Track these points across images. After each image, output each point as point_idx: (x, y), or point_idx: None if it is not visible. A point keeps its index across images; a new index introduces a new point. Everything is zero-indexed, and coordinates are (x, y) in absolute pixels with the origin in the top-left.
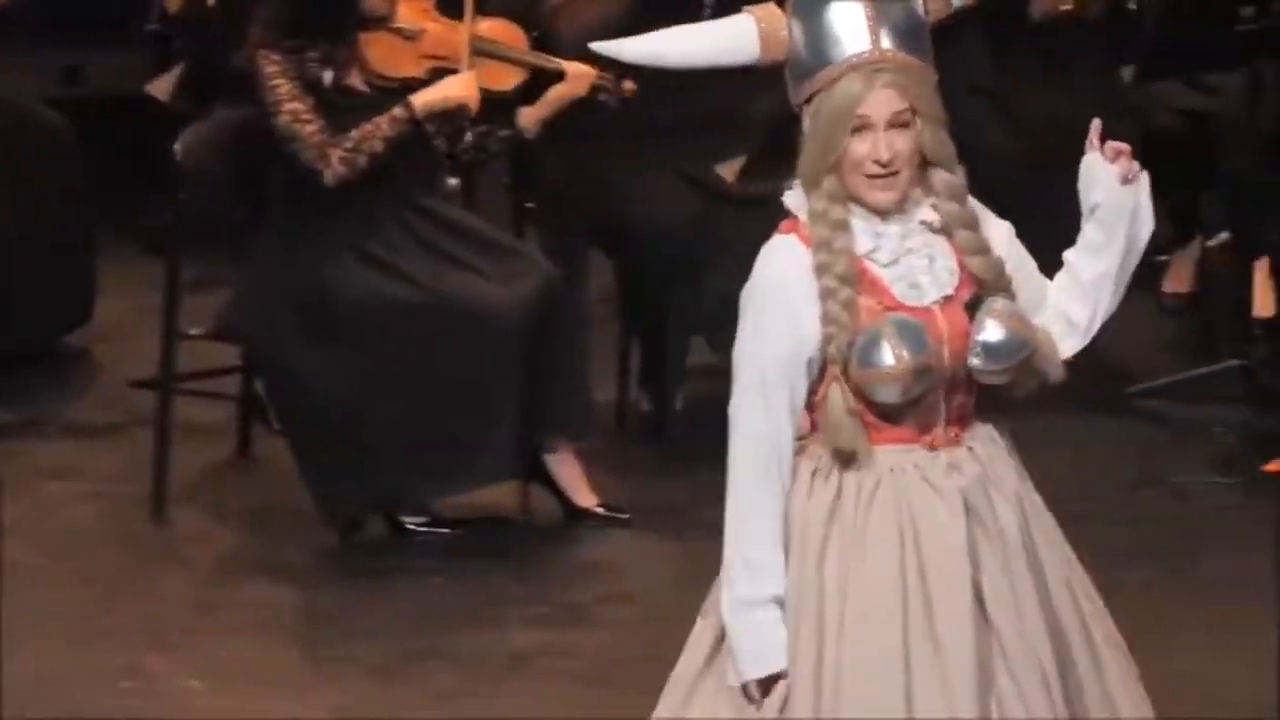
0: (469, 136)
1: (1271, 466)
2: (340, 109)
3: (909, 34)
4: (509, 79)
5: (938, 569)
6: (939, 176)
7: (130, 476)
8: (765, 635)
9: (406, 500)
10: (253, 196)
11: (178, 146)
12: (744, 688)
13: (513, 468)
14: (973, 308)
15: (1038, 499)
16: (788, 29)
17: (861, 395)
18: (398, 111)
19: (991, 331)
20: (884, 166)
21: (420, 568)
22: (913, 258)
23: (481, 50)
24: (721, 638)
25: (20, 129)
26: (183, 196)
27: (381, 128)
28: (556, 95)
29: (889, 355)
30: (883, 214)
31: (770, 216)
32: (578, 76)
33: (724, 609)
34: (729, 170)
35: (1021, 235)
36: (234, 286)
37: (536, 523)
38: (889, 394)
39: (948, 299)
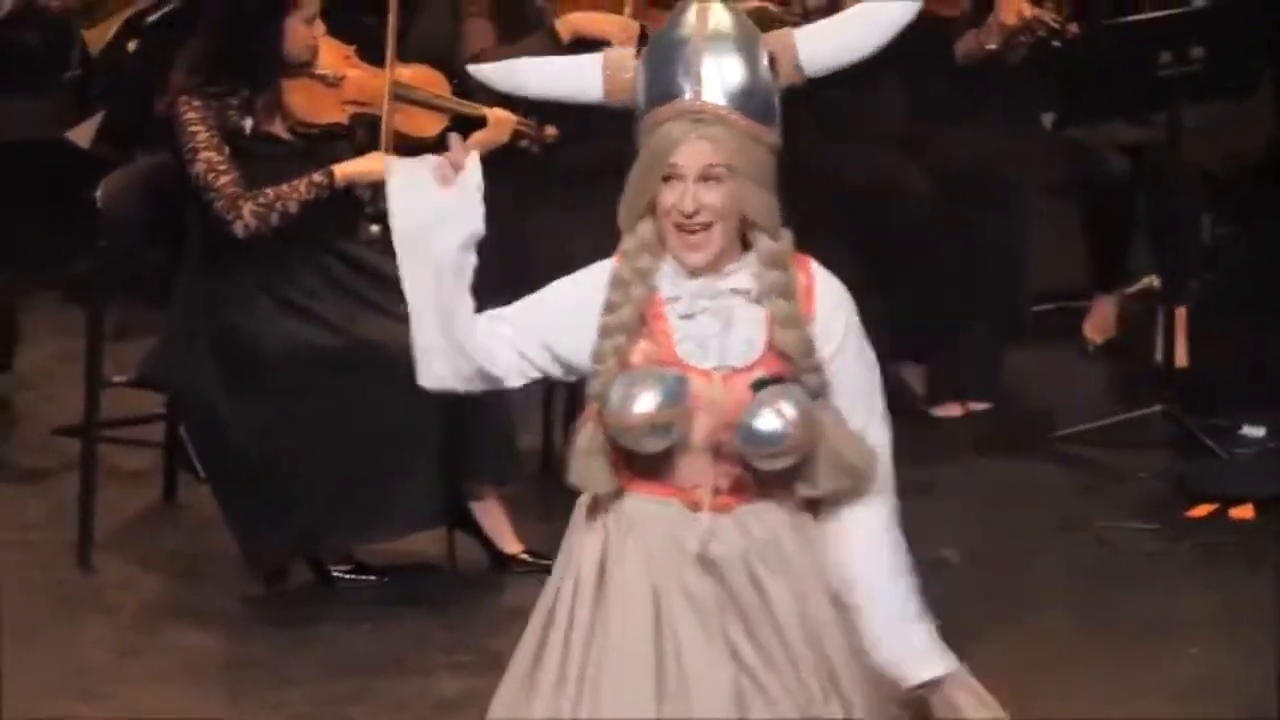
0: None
1: (1194, 512)
2: (261, 156)
3: (743, 92)
4: (431, 125)
5: (681, 621)
6: (761, 241)
7: (55, 523)
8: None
9: (330, 547)
10: (173, 243)
11: (98, 193)
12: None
13: (436, 514)
14: (760, 388)
15: (821, 598)
16: (633, 72)
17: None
18: (318, 178)
19: (762, 420)
20: (688, 218)
21: (346, 615)
22: (706, 318)
23: (402, 96)
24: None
25: None
26: (104, 243)
27: (299, 190)
28: (477, 141)
29: (626, 402)
30: (692, 271)
31: None
32: (500, 122)
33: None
34: None
35: (934, 276)
36: (156, 333)
37: (462, 570)
38: (624, 440)
39: (734, 370)
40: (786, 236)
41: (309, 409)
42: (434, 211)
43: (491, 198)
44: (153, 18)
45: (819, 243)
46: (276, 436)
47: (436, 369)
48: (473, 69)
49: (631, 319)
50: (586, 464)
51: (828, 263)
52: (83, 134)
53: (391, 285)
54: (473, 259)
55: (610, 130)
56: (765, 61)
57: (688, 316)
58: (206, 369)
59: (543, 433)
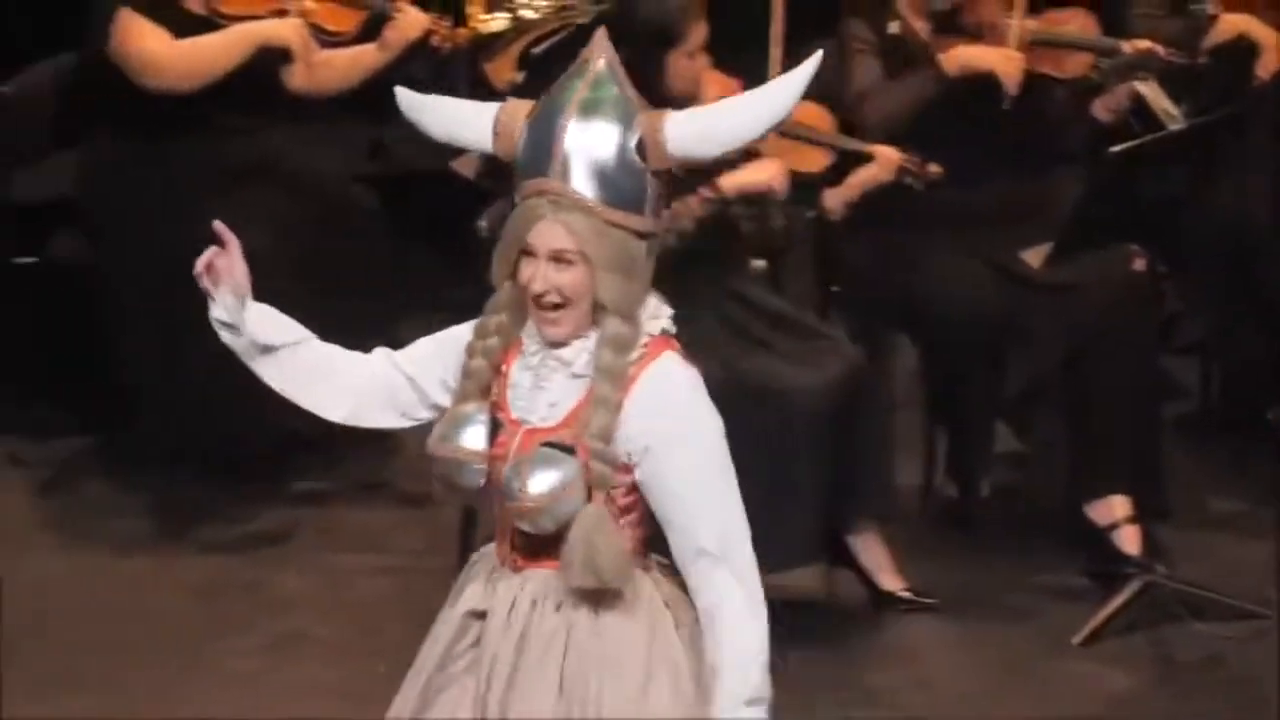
0: (776, 219)
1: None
2: None
3: (605, 177)
4: (816, 162)
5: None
6: (608, 323)
7: (435, 550)
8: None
9: None
10: None
11: (482, 223)
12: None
13: (817, 550)
14: (546, 448)
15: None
16: (520, 133)
17: None
18: (705, 193)
19: (532, 478)
20: (538, 296)
21: None
22: (528, 375)
23: (788, 133)
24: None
25: (332, 204)
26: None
27: (691, 207)
28: (862, 179)
29: (444, 435)
30: (548, 344)
31: (1075, 303)
32: (884, 160)
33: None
34: (1035, 257)
35: None
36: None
37: (841, 606)
38: (435, 469)
39: (533, 429)
40: (651, 324)
41: None
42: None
43: (872, 235)
44: (539, 49)
45: None
46: None
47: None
48: (401, 94)
49: (481, 370)
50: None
51: None
52: (467, 165)
53: (775, 322)
54: (252, 311)
55: (996, 173)
56: (634, 144)
57: (523, 369)
58: None
59: (923, 473)
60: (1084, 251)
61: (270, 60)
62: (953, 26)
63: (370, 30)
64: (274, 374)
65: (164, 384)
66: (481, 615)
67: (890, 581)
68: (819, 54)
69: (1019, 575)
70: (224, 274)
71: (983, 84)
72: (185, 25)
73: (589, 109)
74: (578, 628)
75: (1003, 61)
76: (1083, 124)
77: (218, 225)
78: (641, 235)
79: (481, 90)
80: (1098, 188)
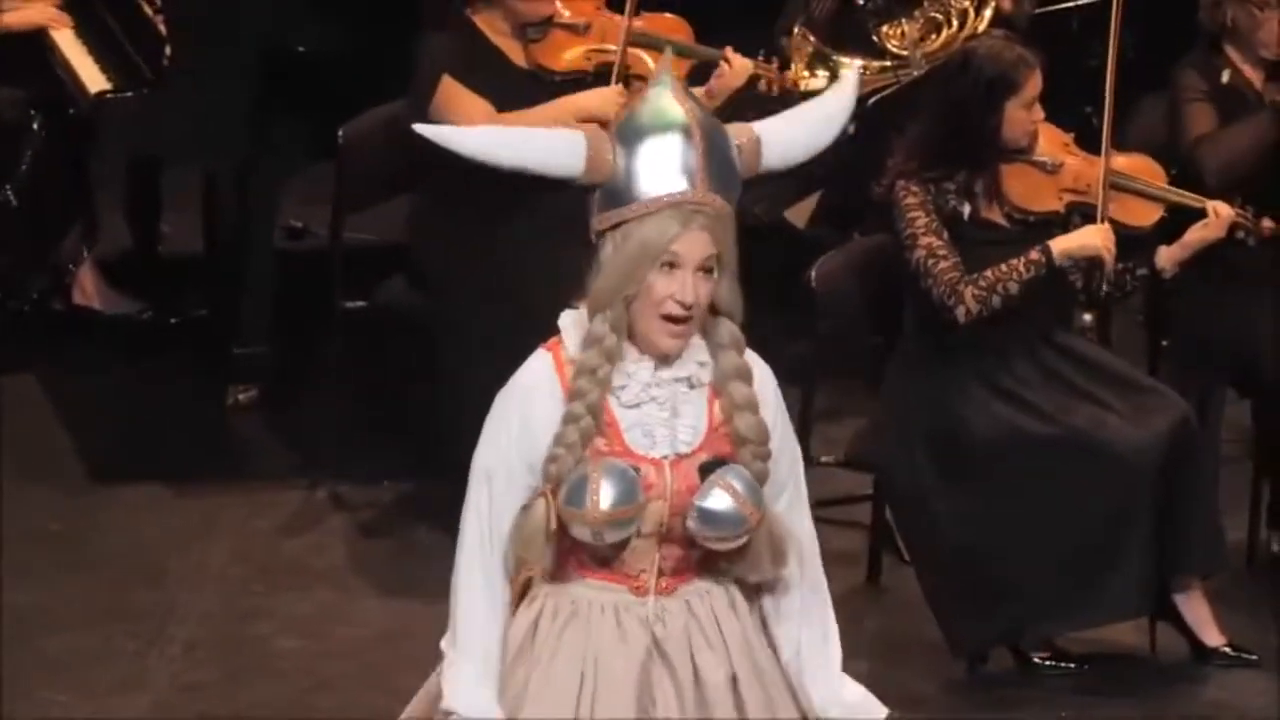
0: (1106, 274)
1: None
2: (978, 242)
3: (729, 179)
4: (1147, 215)
5: (607, 709)
6: (724, 326)
7: None
8: (462, 684)
9: (1032, 635)
10: (888, 327)
11: (813, 274)
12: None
13: (1141, 604)
14: (706, 470)
15: (768, 669)
16: (612, 153)
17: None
18: (1035, 255)
19: (715, 500)
20: (686, 308)
21: (1045, 701)
22: (653, 406)
23: (1119, 185)
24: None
25: None
26: (821, 325)
27: (1018, 269)
28: (1197, 238)
29: (588, 499)
30: (660, 358)
31: None
32: (1218, 216)
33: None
34: None
35: None
36: (865, 415)
37: (1163, 660)
38: (581, 534)
39: (681, 456)
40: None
41: (1019, 497)
42: None
43: (1202, 289)
44: (873, 100)
45: None
46: (987, 524)
47: None
48: (425, 130)
49: (599, 403)
50: (539, 544)
51: None
52: (800, 214)
53: (1104, 375)
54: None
55: None
56: (736, 152)
57: (633, 406)
58: (917, 453)
59: (1249, 527)
60: None
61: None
62: None
63: (698, 79)
64: None
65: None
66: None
67: (1212, 637)
68: (857, 65)
69: None
70: None
71: None
72: (509, 83)
73: (708, 123)
74: (716, 627)
75: None
76: None
77: None
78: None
79: None
80: None
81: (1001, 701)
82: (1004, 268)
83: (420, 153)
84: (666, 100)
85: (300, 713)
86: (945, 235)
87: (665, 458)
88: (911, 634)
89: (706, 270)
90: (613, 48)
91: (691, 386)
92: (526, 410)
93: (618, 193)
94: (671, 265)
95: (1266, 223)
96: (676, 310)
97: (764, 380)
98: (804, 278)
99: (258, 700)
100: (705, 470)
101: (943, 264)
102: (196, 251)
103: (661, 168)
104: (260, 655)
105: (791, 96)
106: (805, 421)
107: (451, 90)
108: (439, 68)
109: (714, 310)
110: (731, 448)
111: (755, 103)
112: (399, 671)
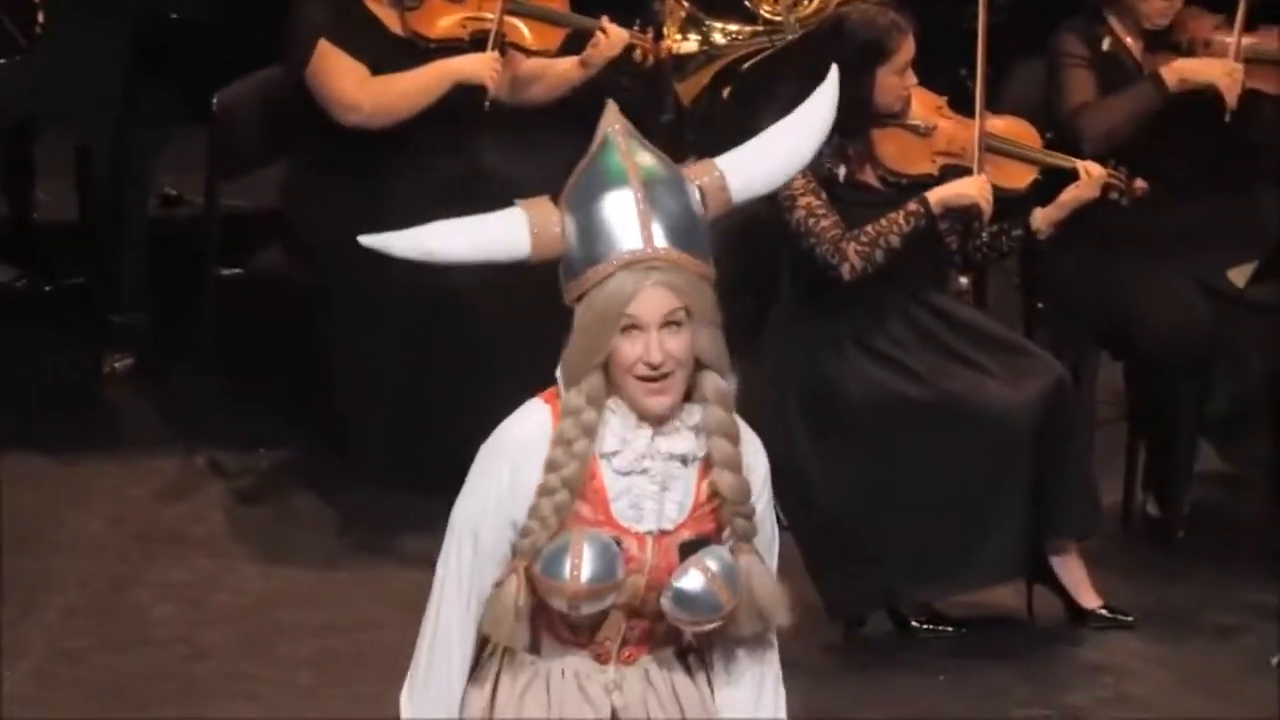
0: (981, 235)
1: None
2: (852, 204)
3: (684, 230)
4: (1022, 178)
5: None
6: (710, 381)
7: None
8: None
9: (910, 599)
10: (761, 292)
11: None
12: None
13: (1017, 567)
14: (687, 550)
15: None
16: (560, 224)
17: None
18: (912, 206)
19: (690, 581)
20: (655, 369)
21: (923, 665)
22: (644, 479)
23: (994, 148)
24: None
25: None
26: None
27: (897, 223)
28: (1071, 197)
29: (568, 571)
30: (653, 421)
31: None
32: (1092, 177)
33: (402, 706)
34: (1239, 275)
35: None
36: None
37: (1040, 623)
38: (558, 605)
39: (664, 532)
40: (732, 378)
41: (893, 460)
42: None
43: (1077, 250)
44: (746, 65)
45: None
46: (860, 487)
47: None
48: (367, 240)
49: (577, 476)
50: (511, 623)
51: None
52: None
53: (979, 338)
54: None
55: (1203, 189)
56: (696, 196)
57: (624, 474)
58: (792, 416)
59: (1123, 487)
60: None
61: (468, 89)
62: (1164, 43)
63: (572, 46)
64: None
65: (368, 399)
66: None
67: (1089, 599)
68: (835, 69)
69: (1218, 594)
70: None
71: (1200, 98)
72: (385, 50)
73: (650, 175)
74: (672, 694)
75: (1224, 75)
76: None
77: None
78: (713, 286)
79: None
80: None
81: (879, 665)
82: (884, 222)
83: (295, 118)
84: (609, 158)
85: (179, 680)
86: (823, 195)
87: (649, 533)
88: (789, 596)
89: (674, 324)
90: (489, 16)
91: (685, 464)
92: (518, 467)
93: (574, 262)
94: (634, 327)
95: (1139, 183)
96: (645, 371)
97: (755, 453)
98: None
99: (136, 668)
100: (686, 550)
101: (824, 222)
102: (71, 219)
103: (609, 229)
104: (138, 623)
105: (665, 65)
106: None
107: (327, 55)
108: (315, 33)
109: (699, 364)
110: (714, 526)
111: (630, 70)
112: (277, 639)
